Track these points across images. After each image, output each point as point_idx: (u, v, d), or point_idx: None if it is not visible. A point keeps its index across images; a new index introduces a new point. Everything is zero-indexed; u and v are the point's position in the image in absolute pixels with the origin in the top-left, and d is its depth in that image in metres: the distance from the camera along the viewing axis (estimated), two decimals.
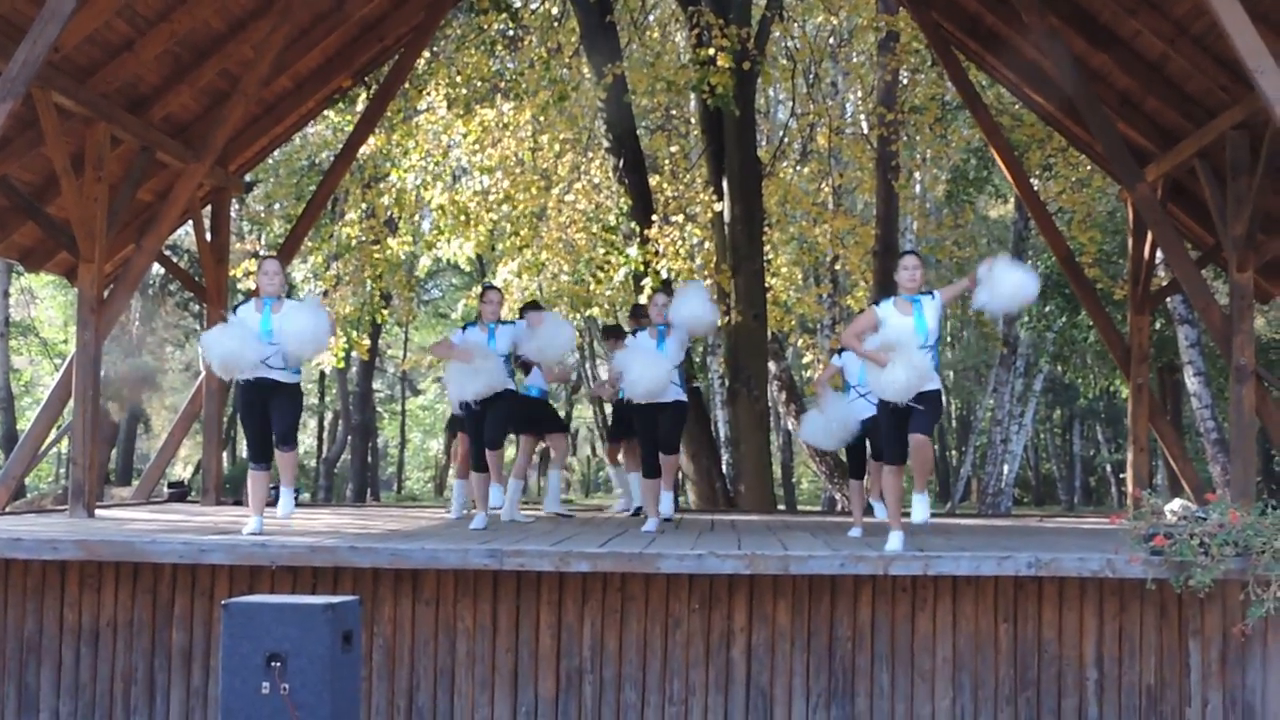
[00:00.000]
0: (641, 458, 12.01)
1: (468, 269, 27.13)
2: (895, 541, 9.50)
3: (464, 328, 12.03)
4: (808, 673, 9.45)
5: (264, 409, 10.70)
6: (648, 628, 9.48)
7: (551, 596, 9.50)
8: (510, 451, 13.15)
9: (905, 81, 22.60)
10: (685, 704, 9.43)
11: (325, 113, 20.24)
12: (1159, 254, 15.70)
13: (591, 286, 20.29)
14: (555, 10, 22.19)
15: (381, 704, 9.48)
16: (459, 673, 9.50)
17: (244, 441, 12.18)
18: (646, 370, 11.20)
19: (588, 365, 38.23)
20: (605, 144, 20.51)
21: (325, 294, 21.58)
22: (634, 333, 12.20)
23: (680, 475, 18.87)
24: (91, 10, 11.73)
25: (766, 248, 21.03)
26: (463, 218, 20.39)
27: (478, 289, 22.58)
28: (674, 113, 24.32)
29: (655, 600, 9.49)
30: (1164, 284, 17.74)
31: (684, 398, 11.74)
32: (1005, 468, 27.53)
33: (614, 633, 9.48)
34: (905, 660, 9.45)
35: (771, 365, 23.35)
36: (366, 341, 22.87)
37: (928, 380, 9.59)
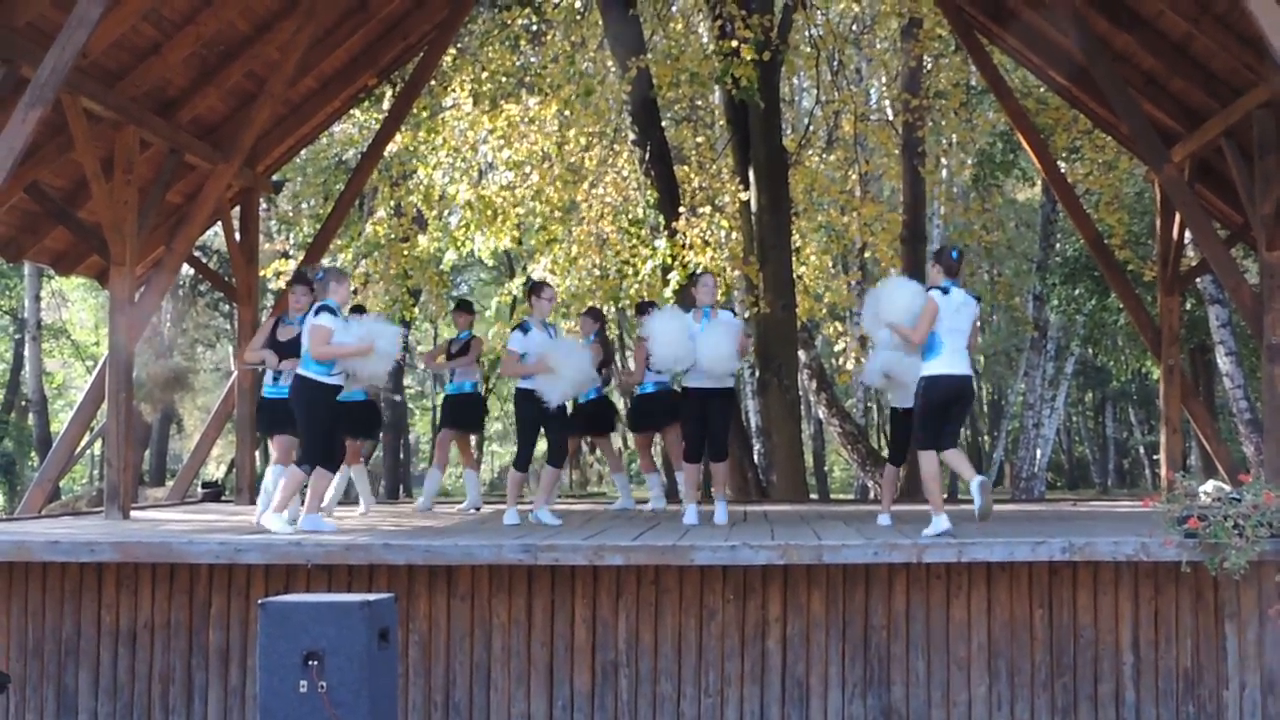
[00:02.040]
0: (685, 442, 11.69)
1: (491, 263, 26.98)
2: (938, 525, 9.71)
3: (523, 329, 11.62)
4: (843, 662, 9.46)
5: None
6: (682, 620, 9.50)
7: (586, 590, 9.52)
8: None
9: (929, 67, 22.55)
10: (721, 695, 9.45)
11: (352, 111, 20.31)
12: (1188, 234, 15.63)
13: (622, 281, 20.28)
14: (578, 4, 22.20)
15: (418, 700, 9.52)
16: (495, 668, 9.54)
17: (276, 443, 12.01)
18: (717, 346, 11.01)
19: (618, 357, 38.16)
20: (631, 136, 20.52)
21: (355, 292, 21.66)
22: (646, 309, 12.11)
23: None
24: (118, 15, 11.79)
25: (794, 236, 21.00)
26: (489, 213, 20.42)
27: (511, 285, 22.66)
28: (699, 103, 24.31)
29: (689, 592, 9.50)
30: (1193, 264, 17.65)
31: (732, 385, 11.53)
32: (1038, 452, 27.43)
33: (649, 625, 9.50)
34: (941, 648, 9.45)
35: (802, 354, 23.33)
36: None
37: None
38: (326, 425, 10.77)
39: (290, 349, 11.54)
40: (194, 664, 9.71)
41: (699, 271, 12.80)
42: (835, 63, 23.23)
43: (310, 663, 7.28)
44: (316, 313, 10.62)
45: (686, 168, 22.03)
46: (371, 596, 7.59)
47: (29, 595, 9.81)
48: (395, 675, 7.74)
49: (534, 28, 21.99)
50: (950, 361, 9.96)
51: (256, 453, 15.90)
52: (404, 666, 9.44)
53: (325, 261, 18.10)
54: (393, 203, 21.82)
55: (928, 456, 10.14)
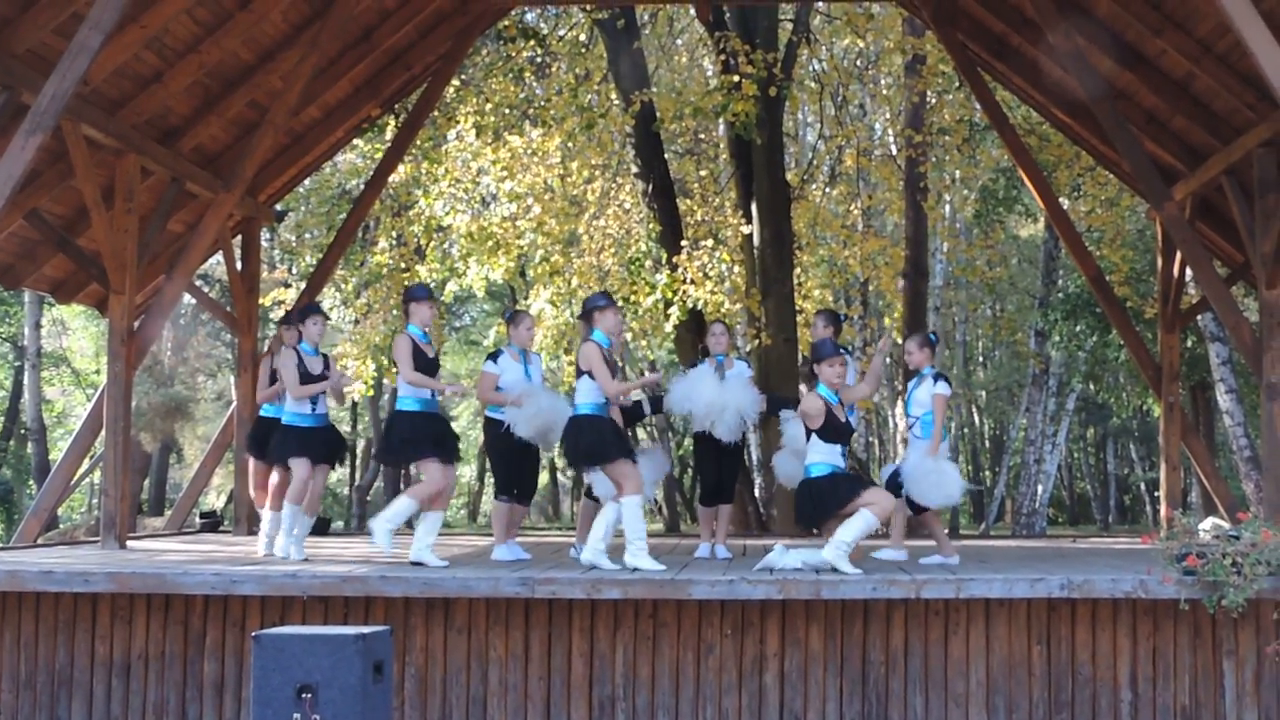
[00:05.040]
0: (700, 487, 12.04)
1: (481, 295, 26.75)
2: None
3: (494, 358, 11.41)
4: (841, 698, 9.41)
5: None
6: (680, 654, 9.45)
7: (583, 624, 9.48)
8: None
9: (933, 103, 22.60)
10: None
11: (355, 141, 20.34)
12: (1188, 272, 15.64)
13: (624, 316, 20.31)
14: (583, 37, 22.26)
15: None
16: (491, 701, 9.49)
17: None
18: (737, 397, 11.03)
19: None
20: (634, 169, 20.55)
21: (356, 322, 21.69)
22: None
23: None
24: (120, 43, 11.81)
25: (796, 270, 21.01)
26: (489, 244, 20.44)
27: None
28: (703, 137, 24.37)
29: (687, 626, 9.46)
30: (1194, 302, 17.66)
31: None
32: (1039, 488, 27.39)
33: (646, 660, 9.46)
34: (939, 684, 9.40)
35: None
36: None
37: None
38: (502, 458, 11.31)
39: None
40: (188, 696, 9.65)
41: (711, 320, 12.83)
42: (839, 98, 23.31)
43: (303, 696, 7.23)
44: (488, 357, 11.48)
45: (689, 201, 22.07)
46: (366, 629, 7.54)
47: (22, 625, 9.75)
48: (390, 709, 7.69)
49: (538, 60, 22.05)
50: None
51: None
52: (400, 700, 9.39)
53: (327, 290, 18.08)
54: (394, 233, 21.84)
55: None
